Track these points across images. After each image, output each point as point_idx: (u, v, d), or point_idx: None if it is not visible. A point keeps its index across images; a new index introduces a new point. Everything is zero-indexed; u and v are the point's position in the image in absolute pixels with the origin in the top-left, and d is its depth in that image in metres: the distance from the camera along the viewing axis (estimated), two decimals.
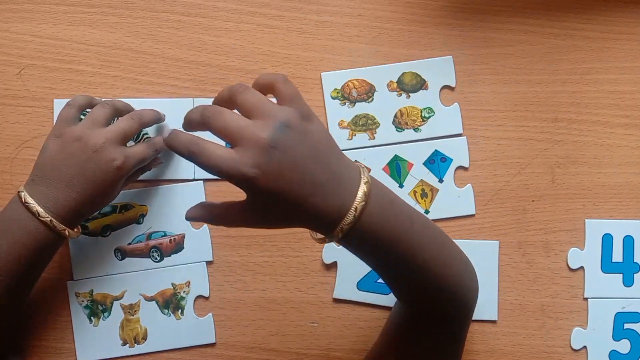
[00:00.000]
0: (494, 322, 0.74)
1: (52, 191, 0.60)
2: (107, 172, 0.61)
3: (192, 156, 0.49)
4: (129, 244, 0.72)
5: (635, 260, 0.75)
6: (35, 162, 0.63)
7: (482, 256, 0.74)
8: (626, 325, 0.74)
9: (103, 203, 0.65)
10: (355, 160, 0.74)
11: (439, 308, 0.58)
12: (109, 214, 0.72)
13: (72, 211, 0.61)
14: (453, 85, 0.75)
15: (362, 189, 0.50)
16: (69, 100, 0.67)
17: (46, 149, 0.63)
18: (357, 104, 0.75)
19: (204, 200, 0.73)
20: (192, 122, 0.51)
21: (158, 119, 0.70)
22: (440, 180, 0.75)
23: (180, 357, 0.73)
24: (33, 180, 0.62)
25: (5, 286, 0.60)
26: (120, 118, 0.66)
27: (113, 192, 0.64)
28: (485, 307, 0.74)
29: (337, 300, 0.74)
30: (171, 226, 0.73)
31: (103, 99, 0.73)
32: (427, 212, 0.74)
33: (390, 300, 0.74)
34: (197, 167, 0.71)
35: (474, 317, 0.73)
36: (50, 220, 0.59)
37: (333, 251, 0.74)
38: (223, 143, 0.49)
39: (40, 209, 0.59)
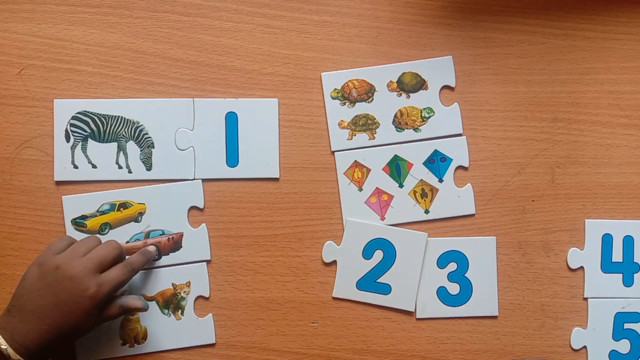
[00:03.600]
0: (494, 318, 0.74)
1: (25, 324, 0.61)
2: (79, 301, 0.62)
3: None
4: (127, 242, 0.72)
5: (635, 260, 0.75)
6: (16, 289, 0.64)
7: (480, 252, 0.74)
8: (626, 325, 0.74)
9: (76, 334, 0.64)
10: (355, 160, 0.74)
11: None
12: (108, 212, 0.72)
13: (43, 344, 0.61)
14: (453, 85, 0.75)
15: None
16: (61, 237, 0.68)
17: (26, 277, 0.64)
18: (357, 104, 0.75)
19: (202, 199, 0.73)
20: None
21: (147, 261, 0.70)
22: (440, 180, 0.75)
23: (180, 357, 0.73)
24: (9, 311, 0.63)
25: None
26: (99, 245, 0.66)
27: (86, 322, 0.63)
28: (486, 303, 0.74)
29: (337, 300, 0.74)
30: (169, 225, 0.73)
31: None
32: (427, 211, 0.74)
33: (390, 299, 0.74)
34: (196, 166, 0.73)
35: (475, 314, 0.74)
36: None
37: (333, 251, 0.74)
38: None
39: (10, 351, 0.60)
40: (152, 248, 0.71)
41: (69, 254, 0.64)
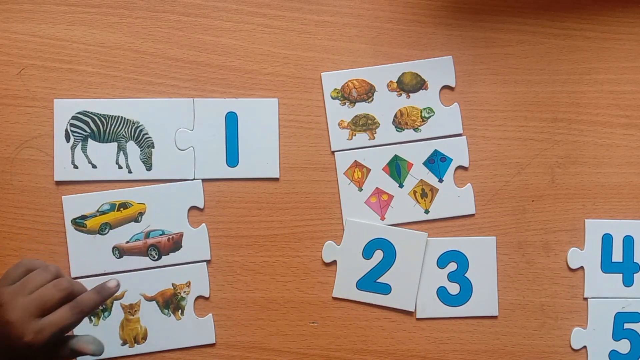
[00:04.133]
0: (494, 318, 0.74)
1: None
2: (16, 348, 0.55)
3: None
4: (127, 242, 0.72)
5: (635, 260, 0.75)
6: None
7: (480, 252, 0.74)
8: (626, 325, 0.74)
9: None
10: (355, 160, 0.74)
11: None
12: (108, 212, 0.72)
13: None
14: (453, 85, 0.75)
15: None
16: (19, 263, 0.61)
17: None
18: (357, 104, 0.75)
19: (202, 199, 0.73)
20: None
21: (102, 301, 0.61)
22: (440, 180, 0.75)
23: (180, 357, 0.73)
24: None
25: None
26: (46, 285, 0.58)
27: None
28: (486, 303, 0.74)
29: (337, 300, 0.74)
30: (169, 225, 0.73)
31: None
32: (427, 212, 0.74)
33: (390, 299, 0.74)
34: (196, 166, 0.73)
35: (475, 314, 0.74)
36: None
37: (333, 251, 0.74)
38: None
39: None
40: (112, 283, 0.61)
41: (16, 290, 0.57)
